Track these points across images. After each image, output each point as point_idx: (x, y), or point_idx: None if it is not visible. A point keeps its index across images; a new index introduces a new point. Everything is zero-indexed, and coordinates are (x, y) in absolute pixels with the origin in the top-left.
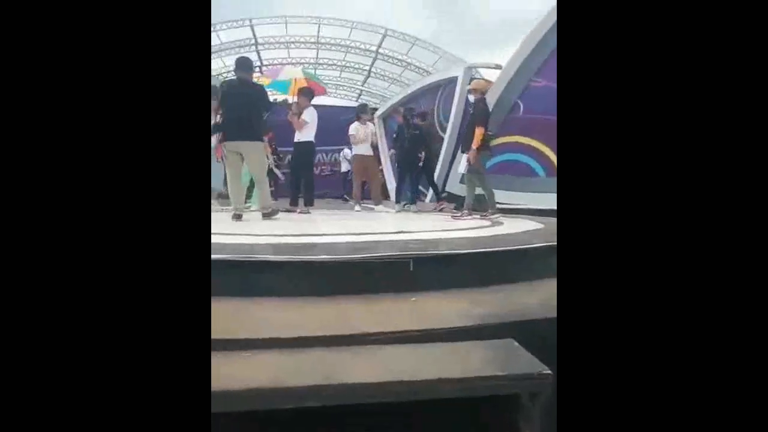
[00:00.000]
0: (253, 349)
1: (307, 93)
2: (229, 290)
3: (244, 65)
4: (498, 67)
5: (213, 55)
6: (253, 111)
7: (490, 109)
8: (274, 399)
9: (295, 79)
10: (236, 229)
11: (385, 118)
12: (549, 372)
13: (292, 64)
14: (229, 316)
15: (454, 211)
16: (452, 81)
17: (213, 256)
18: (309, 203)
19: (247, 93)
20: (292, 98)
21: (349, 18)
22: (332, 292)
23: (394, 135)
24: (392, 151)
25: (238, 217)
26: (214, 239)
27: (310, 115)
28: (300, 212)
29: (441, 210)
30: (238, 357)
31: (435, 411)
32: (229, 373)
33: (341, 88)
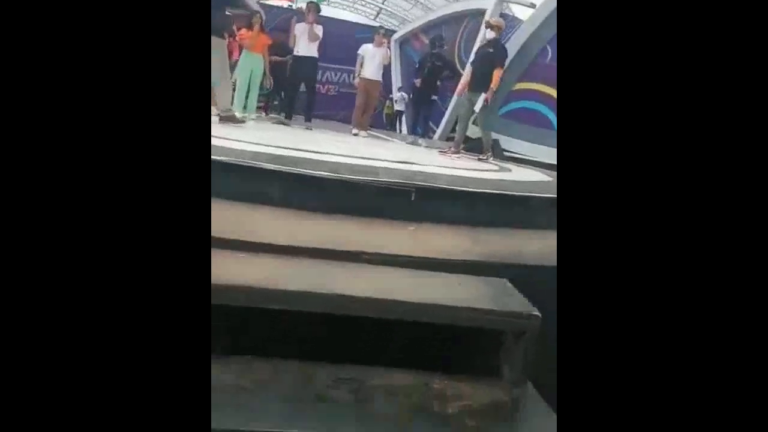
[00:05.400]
0: (249, 251)
1: (316, 8)
2: (226, 194)
3: None
4: (532, 5)
5: None
6: None
7: (516, 51)
8: (266, 299)
9: None
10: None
11: (402, 43)
12: (538, 314)
13: None
14: (225, 219)
15: (469, 152)
16: (480, 13)
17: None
18: (309, 119)
19: None
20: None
21: None
22: (329, 210)
23: (416, 64)
24: (419, 80)
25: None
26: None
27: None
28: (306, 128)
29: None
30: (234, 257)
31: (419, 336)
32: (224, 271)
33: (359, 2)
